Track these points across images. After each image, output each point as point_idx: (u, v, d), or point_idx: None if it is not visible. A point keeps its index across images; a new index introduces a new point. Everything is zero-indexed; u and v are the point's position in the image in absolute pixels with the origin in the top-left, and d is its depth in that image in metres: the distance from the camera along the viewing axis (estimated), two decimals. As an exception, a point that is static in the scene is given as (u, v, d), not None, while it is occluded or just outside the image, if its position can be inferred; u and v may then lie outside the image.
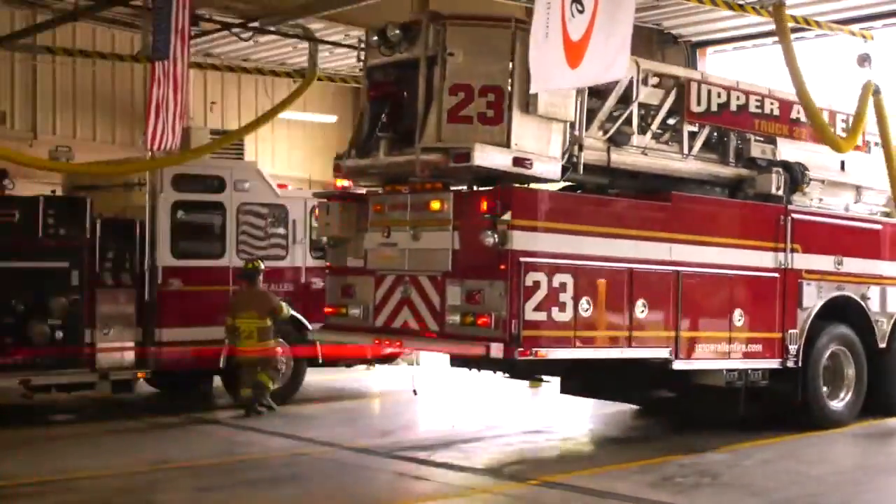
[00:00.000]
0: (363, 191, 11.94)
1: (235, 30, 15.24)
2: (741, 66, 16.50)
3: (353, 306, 11.21)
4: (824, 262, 12.39)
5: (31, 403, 13.73)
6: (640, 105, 11.08)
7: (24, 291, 12.66)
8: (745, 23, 14.91)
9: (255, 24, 14.73)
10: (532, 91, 9.61)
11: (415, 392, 15.33)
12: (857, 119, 12.19)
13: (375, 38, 10.38)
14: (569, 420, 13.82)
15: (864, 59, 12.87)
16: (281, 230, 14.60)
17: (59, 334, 12.72)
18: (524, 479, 9.62)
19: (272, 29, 15.01)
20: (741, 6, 13.43)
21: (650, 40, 17.42)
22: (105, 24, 17.16)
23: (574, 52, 9.26)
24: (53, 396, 13.68)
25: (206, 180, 14.12)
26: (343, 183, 15.87)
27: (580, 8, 9.25)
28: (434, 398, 15.65)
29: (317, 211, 13.02)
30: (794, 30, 14.32)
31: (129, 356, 13.48)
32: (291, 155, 20.22)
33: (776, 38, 11.62)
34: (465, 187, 10.53)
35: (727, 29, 15.64)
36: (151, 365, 13.53)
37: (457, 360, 11.77)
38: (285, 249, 14.62)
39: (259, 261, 13.95)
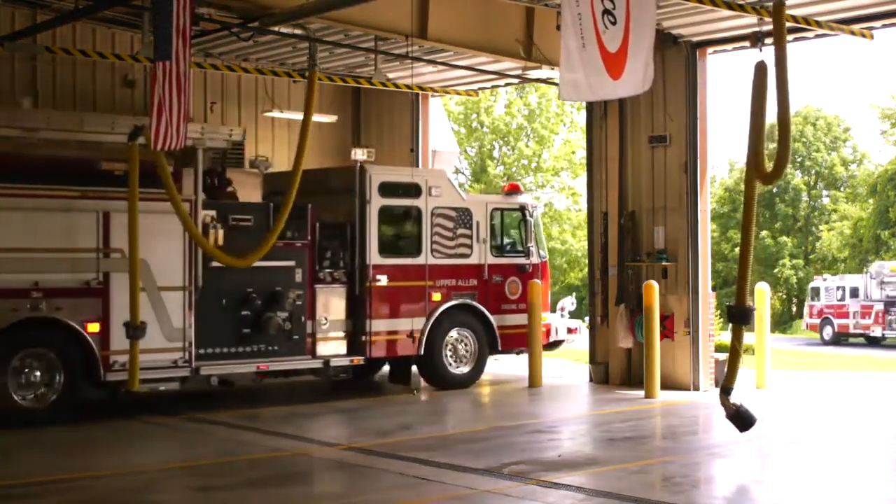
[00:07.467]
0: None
1: (235, 30, 15.24)
2: (741, 67, 16.53)
3: None
4: None
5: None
6: None
7: (260, 288, 14.04)
8: (745, 23, 14.87)
9: (255, 24, 14.72)
10: (577, 100, 9.63)
11: (416, 392, 15.37)
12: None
13: None
14: (569, 420, 13.84)
15: (758, 39, 11.18)
16: (466, 231, 15.98)
17: (288, 325, 14.23)
18: (524, 479, 9.63)
19: (272, 29, 15.00)
20: (741, 6, 13.40)
21: (650, 41, 17.37)
22: (105, 24, 17.15)
23: (614, 63, 9.34)
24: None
25: (405, 187, 15.55)
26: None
27: (612, 19, 9.31)
28: (435, 398, 15.67)
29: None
30: (795, 30, 14.31)
31: (343, 345, 14.95)
32: (292, 155, 20.20)
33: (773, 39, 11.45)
34: None
35: (727, 29, 15.61)
36: (362, 352, 15.01)
37: None
38: (470, 248, 16.01)
39: None
